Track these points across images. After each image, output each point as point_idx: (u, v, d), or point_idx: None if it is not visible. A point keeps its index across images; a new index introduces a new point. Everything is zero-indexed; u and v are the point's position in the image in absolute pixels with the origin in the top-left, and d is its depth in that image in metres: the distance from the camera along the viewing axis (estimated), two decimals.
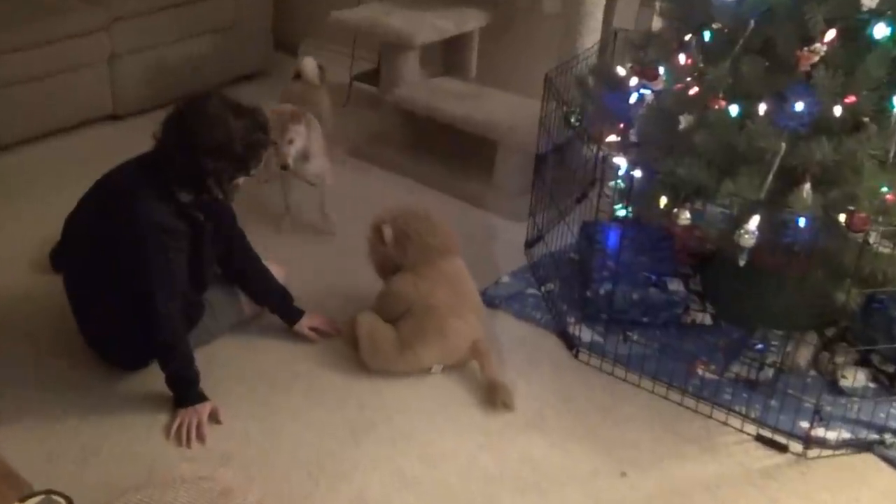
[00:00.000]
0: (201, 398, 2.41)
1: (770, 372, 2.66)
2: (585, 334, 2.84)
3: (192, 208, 2.40)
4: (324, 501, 2.20)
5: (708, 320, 2.92)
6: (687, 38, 2.72)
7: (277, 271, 2.81)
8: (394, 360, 2.58)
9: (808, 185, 2.36)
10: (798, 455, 2.46)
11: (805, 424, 2.51)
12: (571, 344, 2.83)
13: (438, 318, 2.57)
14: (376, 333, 2.59)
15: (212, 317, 2.63)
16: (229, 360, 2.66)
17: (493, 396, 2.54)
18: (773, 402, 2.60)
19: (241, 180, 2.43)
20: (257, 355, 2.69)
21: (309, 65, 3.56)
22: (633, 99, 2.80)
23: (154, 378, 2.46)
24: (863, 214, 2.27)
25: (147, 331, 2.36)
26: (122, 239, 2.33)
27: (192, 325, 2.54)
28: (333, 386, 2.59)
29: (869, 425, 2.53)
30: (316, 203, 3.27)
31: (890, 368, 2.68)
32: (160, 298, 2.33)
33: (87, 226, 2.46)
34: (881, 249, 2.33)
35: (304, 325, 2.72)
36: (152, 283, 2.32)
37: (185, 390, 2.41)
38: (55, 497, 1.49)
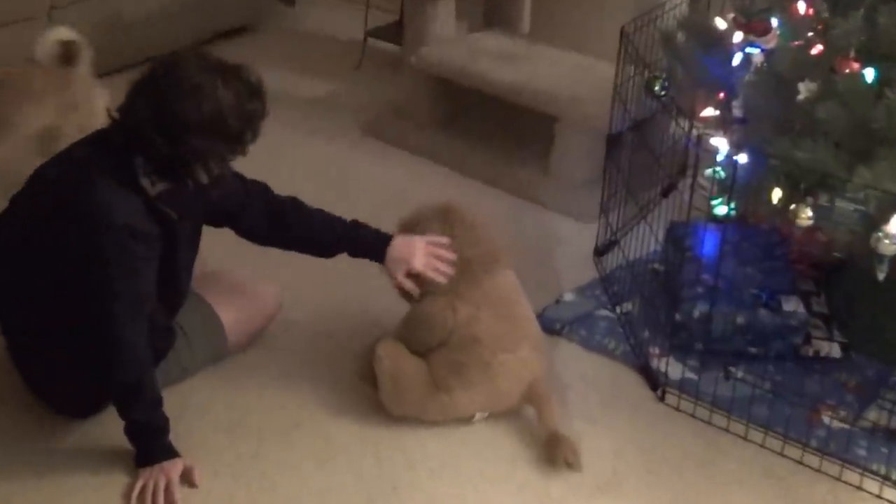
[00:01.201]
0: (171, 453, 2.46)
1: None
2: (674, 370, 2.87)
3: (165, 203, 2.47)
4: None
5: (836, 352, 2.95)
6: None
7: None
8: (424, 405, 2.62)
9: None
10: None
11: None
12: (656, 382, 2.86)
13: (484, 353, 2.60)
14: (402, 370, 2.62)
15: (186, 347, 2.69)
16: (208, 402, 2.71)
17: (553, 452, 2.57)
18: None
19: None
20: (245, 397, 2.74)
21: (45, 41, 3.33)
22: (736, 60, 2.82)
23: (110, 425, 2.51)
24: None
25: (103, 365, 2.41)
26: (74, 245, 2.37)
27: (160, 358, 2.60)
28: (344, 437, 2.63)
29: None
30: None
31: None
32: (122, 322, 2.37)
33: (24, 228, 2.51)
34: None
35: (396, 267, 2.71)
36: (112, 302, 2.37)
37: (151, 443, 2.45)
38: None
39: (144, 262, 2.41)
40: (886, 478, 2.57)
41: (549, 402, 2.65)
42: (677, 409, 2.79)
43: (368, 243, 2.75)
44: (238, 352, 2.84)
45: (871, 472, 2.59)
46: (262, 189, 2.76)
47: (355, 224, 2.78)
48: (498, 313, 2.65)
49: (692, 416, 2.76)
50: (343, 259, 2.79)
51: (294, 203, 2.77)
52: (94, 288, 2.38)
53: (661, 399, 2.82)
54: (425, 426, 2.64)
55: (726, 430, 2.71)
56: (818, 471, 2.60)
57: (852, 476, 2.58)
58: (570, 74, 3.74)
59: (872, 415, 2.71)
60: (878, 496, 2.54)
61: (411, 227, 2.73)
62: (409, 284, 2.69)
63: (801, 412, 2.71)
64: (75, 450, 2.54)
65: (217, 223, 2.72)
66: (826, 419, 2.73)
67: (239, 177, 2.69)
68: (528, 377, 2.65)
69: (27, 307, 2.52)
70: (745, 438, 2.69)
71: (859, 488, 2.56)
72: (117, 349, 2.39)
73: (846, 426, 2.71)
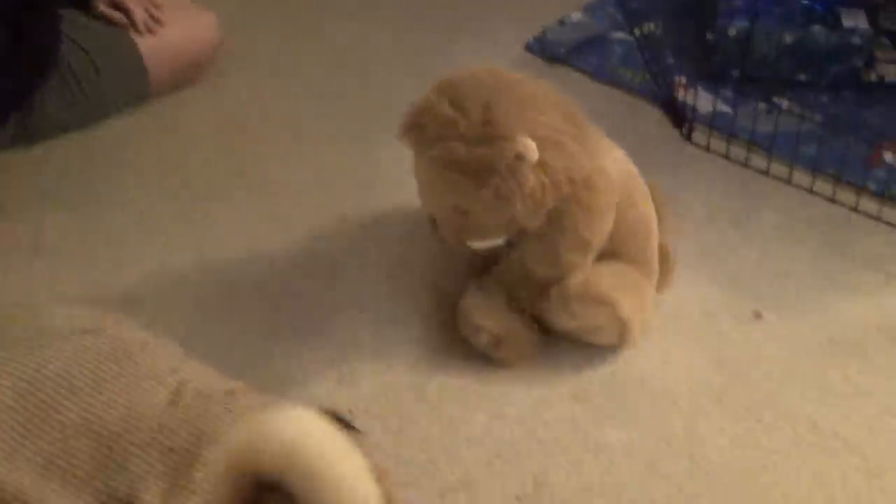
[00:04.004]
0: None
1: None
2: (704, 102, 2.87)
3: None
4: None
5: None
6: None
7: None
8: None
9: None
10: None
11: None
12: (681, 118, 2.86)
13: None
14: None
15: (91, 71, 2.69)
16: (134, 153, 2.73)
17: None
18: None
19: None
20: (178, 145, 2.76)
21: None
22: None
23: None
24: None
25: None
26: None
27: (48, 62, 2.60)
28: (304, 162, 2.66)
29: None
30: None
31: None
32: None
33: None
34: None
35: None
36: None
37: None
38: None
39: None
40: None
41: None
42: (707, 148, 2.80)
43: None
44: (164, 92, 2.85)
45: None
46: None
47: None
48: None
49: (725, 156, 2.78)
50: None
51: None
52: None
53: (688, 138, 2.83)
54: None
55: (766, 172, 2.73)
56: (876, 219, 2.63)
57: None
58: None
59: None
60: None
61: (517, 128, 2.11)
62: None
63: (859, 150, 2.72)
64: None
65: None
66: (889, 157, 2.74)
67: None
68: None
69: None
70: (789, 182, 2.71)
71: None
72: None
73: None
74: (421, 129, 2.08)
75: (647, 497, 1.97)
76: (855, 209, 2.64)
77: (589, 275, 2.21)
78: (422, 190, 2.19)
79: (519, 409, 2.13)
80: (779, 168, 2.73)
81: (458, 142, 2.04)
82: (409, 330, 2.29)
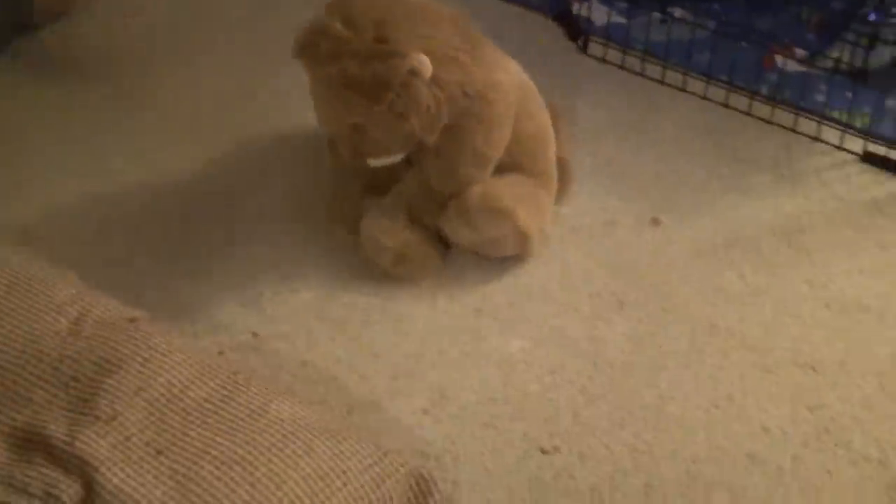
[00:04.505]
0: None
1: (888, 55, 2.71)
2: (598, 14, 2.89)
3: None
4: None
5: None
6: None
7: None
8: None
9: None
10: None
11: None
12: (577, 30, 2.88)
13: None
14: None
15: None
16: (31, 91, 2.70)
17: None
18: (892, 103, 2.67)
19: None
20: (71, 75, 2.74)
21: None
22: None
23: None
24: None
25: None
26: None
27: None
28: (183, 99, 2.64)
29: None
30: None
31: None
32: None
33: None
34: None
35: None
36: None
37: None
38: None
39: None
40: (848, 125, 2.62)
41: None
42: (603, 60, 2.83)
43: None
44: (53, 19, 2.85)
45: (831, 119, 2.64)
46: None
47: None
48: None
49: (621, 67, 2.81)
50: None
51: None
52: None
53: (584, 50, 2.85)
54: None
55: (661, 81, 2.76)
56: (769, 122, 2.66)
57: (808, 125, 2.64)
58: None
59: (836, 53, 2.72)
60: (838, 147, 2.61)
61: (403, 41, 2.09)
62: None
63: (751, 55, 2.75)
64: None
65: None
66: (780, 61, 2.76)
67: None
68: None
69: None
70: (683, 90, 2.74)
71: (816, 139, 2.63)
72: None
73: (803, 68, 2.76)
74: (314, 48, 2.07)
75: (551, 402, 2.00)
76: (748, 113, 2.67)
77: (487, 187, 2.22)
78: (319, 109, 2.17)
79: (423, 324, 2.15)
80: (673, 76, 2.75)
81: (351, 59, 2.03)
82: (311, 251, 2.29)
